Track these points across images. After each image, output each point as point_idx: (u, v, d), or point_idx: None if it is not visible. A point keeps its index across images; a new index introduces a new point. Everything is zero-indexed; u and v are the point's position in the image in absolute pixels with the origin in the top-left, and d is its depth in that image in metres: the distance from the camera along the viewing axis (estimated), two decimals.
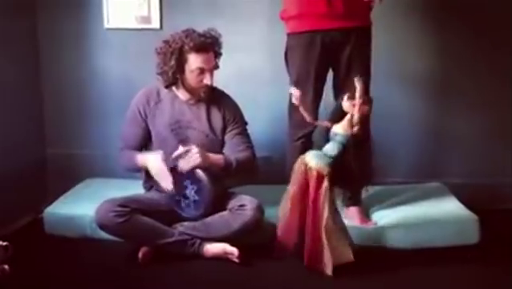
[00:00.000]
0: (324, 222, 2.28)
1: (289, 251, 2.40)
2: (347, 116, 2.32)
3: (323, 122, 2.41)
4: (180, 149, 2.45)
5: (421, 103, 3.23)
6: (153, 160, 2.49)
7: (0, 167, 2.81)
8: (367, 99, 2.30)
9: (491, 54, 3.13)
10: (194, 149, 2.43)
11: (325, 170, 2.30)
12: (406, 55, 3.18)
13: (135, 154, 2.58)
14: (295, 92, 2.37)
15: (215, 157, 2.51)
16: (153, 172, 2.49)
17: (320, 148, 2.39)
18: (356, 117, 2.29)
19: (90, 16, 3.23)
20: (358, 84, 2.26)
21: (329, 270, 2.30)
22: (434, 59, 3.18)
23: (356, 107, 2.28)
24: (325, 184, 2.29)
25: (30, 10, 3.20)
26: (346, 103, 2.31)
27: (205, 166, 2.44)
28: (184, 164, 2.43)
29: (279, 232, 2.43)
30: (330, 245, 2.29)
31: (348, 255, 2.33)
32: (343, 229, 2.39)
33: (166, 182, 2.46)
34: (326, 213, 2.28)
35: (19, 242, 2.25)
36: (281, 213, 2.42)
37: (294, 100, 2.38)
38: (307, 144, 2.65)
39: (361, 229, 2.62)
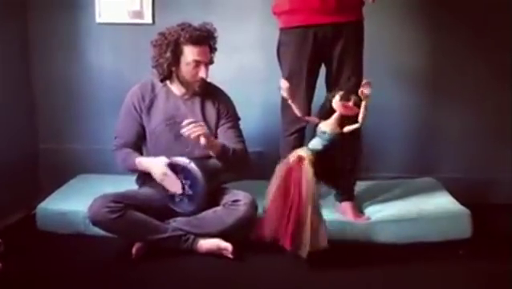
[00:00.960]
0: (310, 203, 2.25)
1: (268, 235, 2.35)
2: (335, 115, 2.30)
3: (312, 119, 2.40)
4: (188, 120, 2.41)
5: (414, 98, 3.24)
6: (158, 166, 2.47)
7: None
8: (357, 100, 2.27)
9: (484, 51, 3.15)
10: (200, 122, 2.43)
11: (305, 154, 2.29)
12: (400, 52, 3.18)
13: (133, 156, 2.56)
14: (284, 85, 2.35)
15: (215, 140, 2.50)
16: (158, 177, 2.48)
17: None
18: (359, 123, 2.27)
19: (82, 10, 3.22)
20: (366, 90, 2.20)
21: (304, 254, 2.26)
22: (428, 56, 3.19)
23: (361, 115, 2.25)
24: (305, 165, 2.27)
25: (21, 2, 3.17)
26: (337, 103, 2.29)
27: (208, 139, 2.40)
28: (190, 132, 2.37)
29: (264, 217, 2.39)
30: (312, 227, 2.25)
31: (324, 242, 2.29)
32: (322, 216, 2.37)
33: (174, 187, 2.46)
34: (310, 195, 2.25)
35: (11, 239, 2.24)
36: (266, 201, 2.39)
37: (282, 93, 2.36)
38: (300, 140, 2.65)
39: (354, 225, 2.63)
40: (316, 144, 2.33)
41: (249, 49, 3.18)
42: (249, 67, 3.19)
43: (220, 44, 2.59)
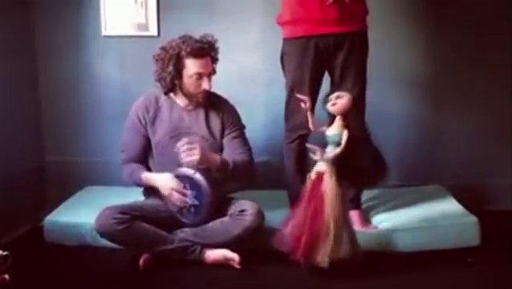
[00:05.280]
0: (335, 213, 2.26)
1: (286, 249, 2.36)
2: (337, 118, 2.33)
3: (320, 129, 2.41)
4: (184, 141, 2.43)
5: (417, 105, 3.24)
6: (165, 182, 2.49)
7: None
8: (339, 94, 2.31)
9: (485, 58, 3.16)
10: (197, 146, 2.44)
11: (323, 168, 2.30)
12: (401, 59, 3.19)
13: (139, 171, 2.57)
14: (306, 100, 2.37)
15: (212, 156, 2.51)
16: (165, 192, 2.49)
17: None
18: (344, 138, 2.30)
19: (87, 23, 3.24)
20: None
21: (325, 264, 2.27)
22: (429, 62, 3.20)
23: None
24: (326, 179, 2.29)
25: (27, 22, 3.20)
26: (327, 106, 2.33)
27: (202, 163, 2.43)
28: (183, 158, 2.42)
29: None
30: (335, 238, 2.27)
31: (346, 252, 2.31)
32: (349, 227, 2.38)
33: (182, 201, 2.47)
34: (334, 206, 2.27)
35: (19, 251, 2.24)
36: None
37: (303, 105, 2.36)
38: (303, 146, 2.63)
39: (361, 234, 2.60)
40: (330, 150, 2.33)
41: (252, 57, 3.19)
42: (252, 74, 3.21)
43: (223, 52, 2.60)
